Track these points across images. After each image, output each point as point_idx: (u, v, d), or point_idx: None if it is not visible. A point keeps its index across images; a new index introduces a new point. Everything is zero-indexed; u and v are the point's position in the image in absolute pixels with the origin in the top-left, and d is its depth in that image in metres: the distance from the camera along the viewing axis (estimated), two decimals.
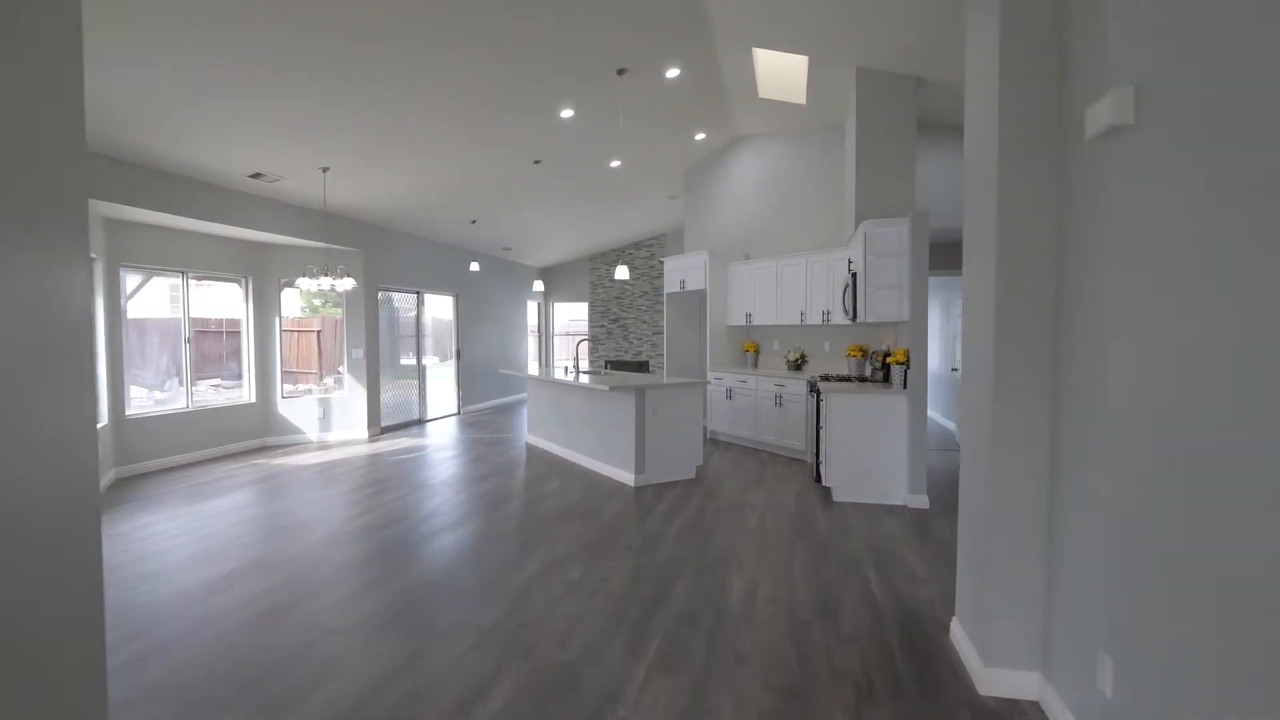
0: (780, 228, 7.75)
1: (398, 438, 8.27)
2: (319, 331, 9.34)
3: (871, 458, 5.03)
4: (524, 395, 13.21)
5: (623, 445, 5.72)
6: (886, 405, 4.98)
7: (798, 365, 7.37)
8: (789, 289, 7.17)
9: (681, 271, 8.44)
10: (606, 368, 13.55)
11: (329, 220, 7.63)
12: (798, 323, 7.05)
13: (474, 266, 9.22)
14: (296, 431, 7.94)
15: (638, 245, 13.39)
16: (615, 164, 7.97)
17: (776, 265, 7.32)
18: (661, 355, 13.10)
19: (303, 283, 6.19)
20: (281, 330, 7.88)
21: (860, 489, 5.07)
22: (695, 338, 9.24)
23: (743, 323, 7.85)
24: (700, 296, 8.92)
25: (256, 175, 6.15)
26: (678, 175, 9.28)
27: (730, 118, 7.46)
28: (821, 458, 5.46)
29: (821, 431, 5.56)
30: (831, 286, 6.63)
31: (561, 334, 14.49)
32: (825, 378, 6.16)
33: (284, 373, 7.99)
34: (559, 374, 7.02)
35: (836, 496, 5.12)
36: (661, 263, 13.10)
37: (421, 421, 9.64)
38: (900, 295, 5.05)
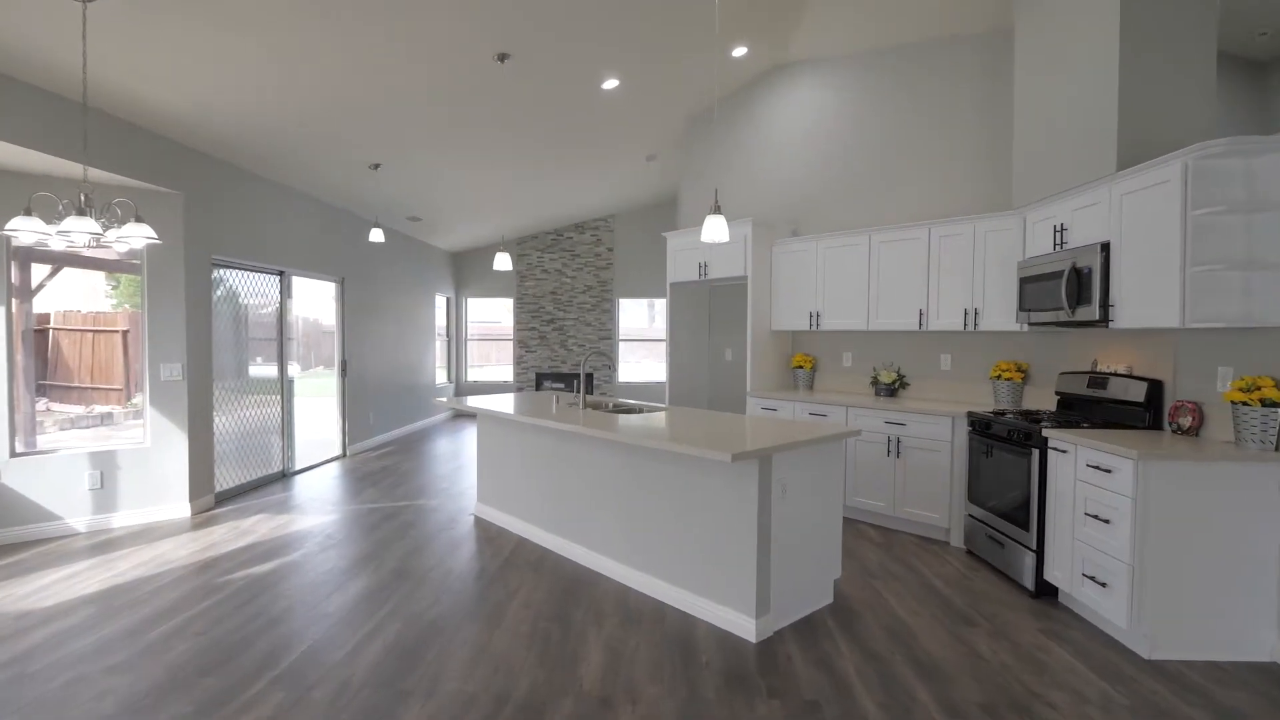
0: (859, 191, 5.35)
1: (244, 515, 4.89)
2: (125, 332, 5.72)
3: (1216, 577, 2.71)
4: (436, 419, 9.88)
5: (718, 557, 2.99)
6: (1248, 481, 2.68)
7: (892, 389, 5.00)
8: (895, 276, 4.77)
9: (698, 250, 5.81)
10: (544, 384, 10.58)
11: (103, 127, 4.18)
12: (914, 327, 4.67)
13: (376, 235, 6.04)
14: (45, 518, 4.36)
15: (580, 227, 10.55)
16: (610, 84, 5.21)
17: (869, 241, 4.91)
18: (610, 368, 10.36)
19: (19, 224, 2.82)
20: (26, 329, 4.29)
21: (1194, 634, 2.73)
22: (709, 346, 6.63)
23: (805, 326, 5.36)
24: (730, 288, 6.35)
25: None
26: (671, 123, 6.64)
27: (793, 23, 4.95)
28: (1050, 553, 3.09)
29: (1050, 508, 3.18)
30: (984, 271, 4.31)
31: (478, 338, 11.27)
32: (1000, 414, 3.81)
33: (44, 404, 4.39)
34: (555, 409, 4.11)
35: (1155, 651, 2.74)
36: (610, 251, 10.39)
37: (286, 475, 6.20)
38: (1245, 280, 2.77)
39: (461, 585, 3.50)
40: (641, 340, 11.12)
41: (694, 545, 3.12)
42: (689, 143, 6.84)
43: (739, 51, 5.36)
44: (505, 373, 10.96)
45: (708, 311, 6.58)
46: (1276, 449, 2.71)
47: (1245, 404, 2.78)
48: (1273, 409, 2.71)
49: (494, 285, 10.83)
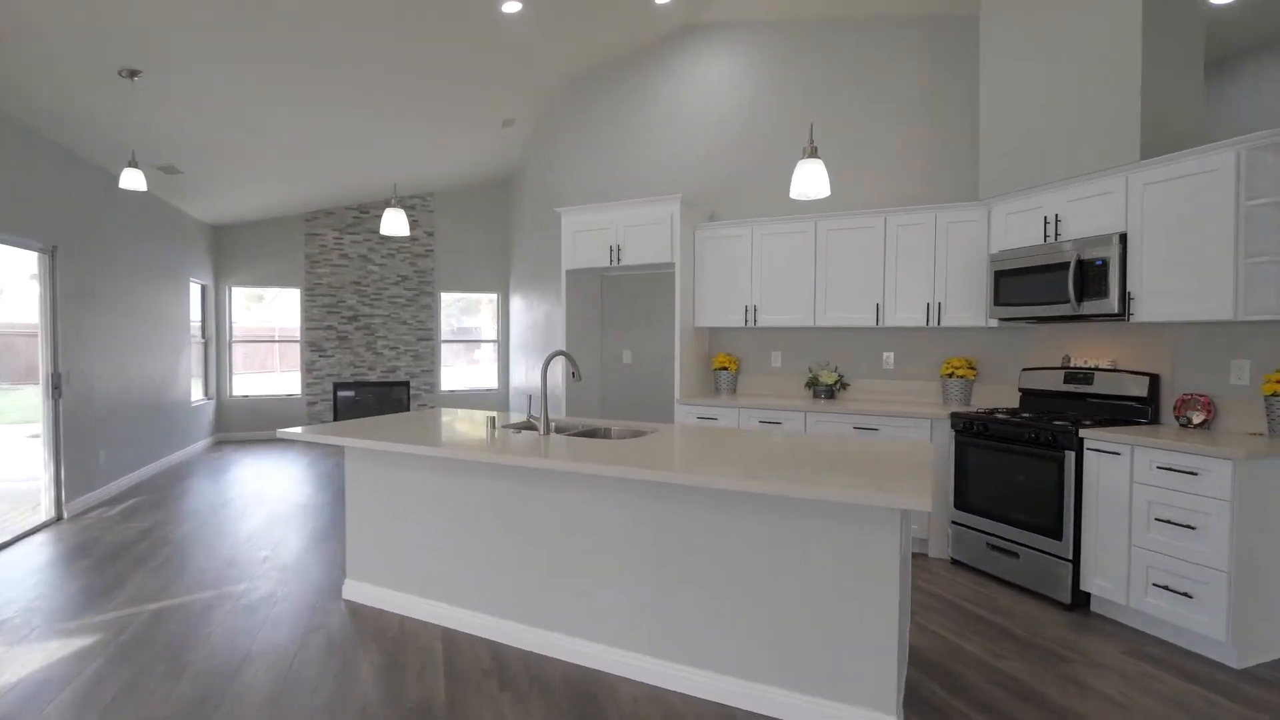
0: (780, 177, 4.89)
1: None
2: None
3: None
4: (193, 449, 7.29)
5: (827, 636, 2.16)
6: None
7: (832, 391, 4.63)
8: (846, 268, 4.37)
9: (609, 232, 4.85)
10: (338, 393, 8.49)
11: None
12: (870, 323, 4.31)
13: (132, 180, 3.86)
14: None
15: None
16: (511, 6, 4.05)
17: (816, 228, 4.45)
18: (431, 372, 8.78)
19: None
20: None
21: (1273, 635, 2.66)
22: (601, 347, 5.66)
23: (739, 322, 4.73)
24: (629, 279, 5.45)
25: None
26: (545, 82, 5.59)
27: None
28: (1090, 562, 2.88)
29: (1088, 514, 2.98)
30: (946, 264, 4.10)
31: (245, 339, 8.68)
32: (993, 412, 3.59)
33: None
34: (494, 437, 2.82)
35: (1244, 660, 2.60)
36: (430, 235, 8.78)
37: None
38: None
39: None
40: (474, 341, 9.62)
41: (783, 622, 2.24)
42: (567, 109, 5.80)
43: None
44: (289, 384, 8.60)
45: (600, 306, 5.63)
46: None
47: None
48: None
49: (271, 271, 8.41)
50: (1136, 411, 3.35)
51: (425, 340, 8.94)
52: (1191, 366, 3.23)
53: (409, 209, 8.76)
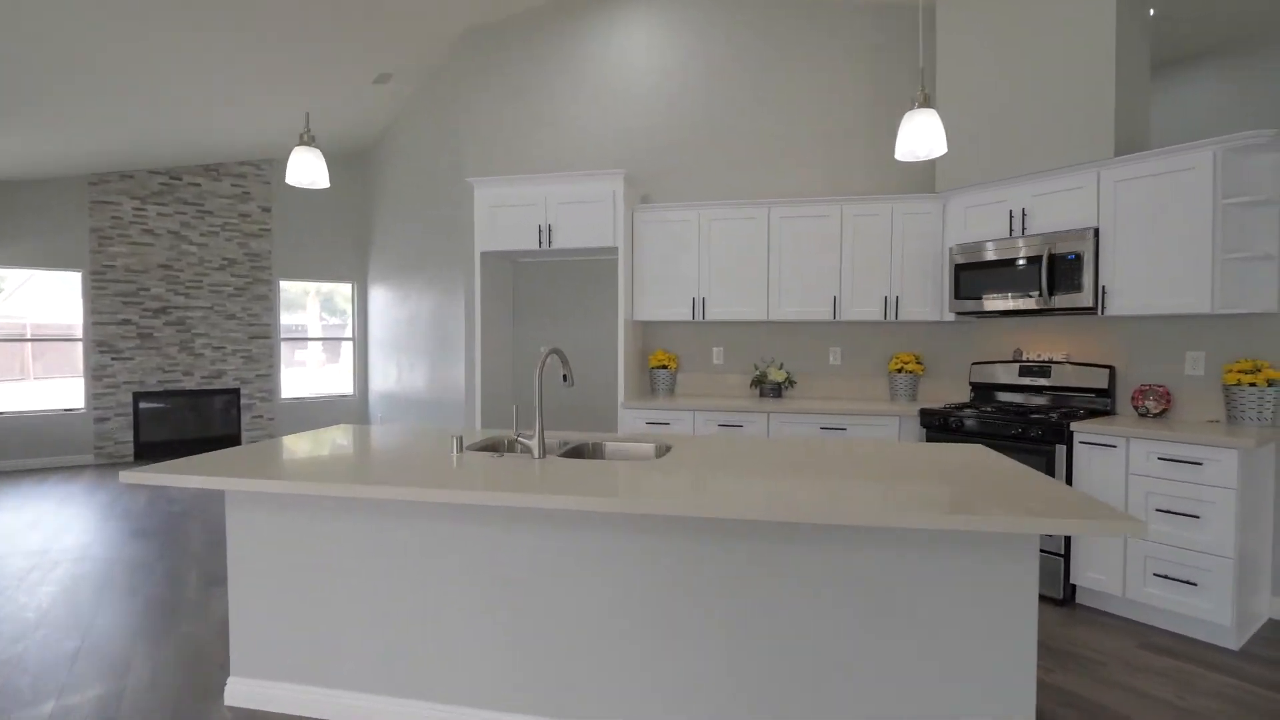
0: (716, 161, 4.54)
1: None
2: None
3: None
4: None
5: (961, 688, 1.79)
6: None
7: (779, 389, 4.37)
8: (801, 259, 4.11)
9: (536, 210, 4.16)
10: (140, 405, 6.72)
11: None
12: (827, 317, 4.09)
13: None
14: None
15: (214, 171, 7.09)
16: None
17: (769, 215, 4.14)
18: (269, 377, 7.37)
19: None
20: None
21: (1259, 609, 2.78)
22: (513, 342, 4.90)
23: (685, 315, 4.28)
24: (546, 266, 4.76)
25: None
26: (441, 32, 4.76)
27: None
28: (1082, 556, 2.89)
29: None
30: (902, 256, 3.98)
31: (4, 338, 6.53)
32: (961, 409, 3.53)
33: None
34: (456, 463, 2.06)
35: (1239, 639, 2.68)
36: (266, 211, 7.33)
37: None
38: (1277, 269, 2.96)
39: None
40: (333, 339, 8.18)
41: (891, 684, 1.82)
42: (474, 65, 4.97)
43: None
44: (66, 395, 6.62)
45: (511, 298, 4.88)
46: (1273, 424, 2.95)
47: (1247, 385, 2.96)
48: (1272, 388, 2.94)
49: (37, 249, 6.40)
50: (1096, 403, 3.44)
51: (261, 339, 7.40)
52: (1147, 358, 3.37)
53: (238, 177, 7.17)
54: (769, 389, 4.37)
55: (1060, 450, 3.14)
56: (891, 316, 4.01)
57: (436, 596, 2.10)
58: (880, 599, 1.81)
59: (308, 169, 2.50)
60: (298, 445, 2.46)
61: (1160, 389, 3.26)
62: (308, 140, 2.51)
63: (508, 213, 4.20)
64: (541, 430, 2.19)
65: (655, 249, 4.29)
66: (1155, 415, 3.25)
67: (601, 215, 4.06)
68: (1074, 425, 3.11)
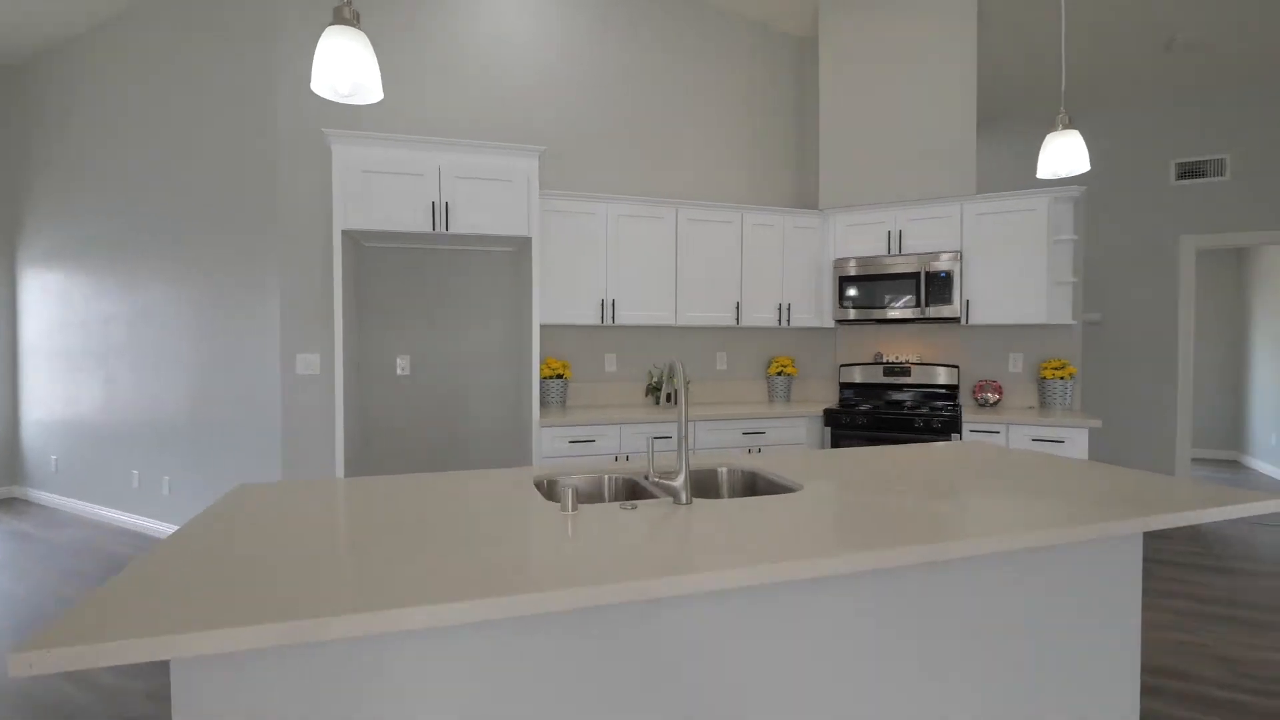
0: (613, 156, 4.25)
1: None
2: None
3: None
4: None
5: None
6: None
7: (671, 396, 4.27)
8: (706, 264, 4.06)
9: (426, 182, 3.30)
10: None
11: None
12: (730, 322, 4.10)
13: None
14: None
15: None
16: None
17: (677, 216, 3.99)
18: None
19: None
20: None
21: None
22: (359, 351, 3.79)
23: (594, 319, 3.85)
24: (395, 253, 3.80)
25: None
26: None
27: None
28: None
29: None
30: (792, 267, 4.23)
31: None
32: (856, 405, 3.94)
33: None
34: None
35: None
36: None
37: None
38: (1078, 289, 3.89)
39: None
40: None
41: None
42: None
43: None
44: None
45: (355, 292, 3.80)
46: (1074, 409, 3.92)
47: (1056, 378, 3.89)
48: (1073, 381, 3.91)
49: None
50: (946, 396, 4.15)
51: None
52: (980, 359, 4.18)
53: None
54: (668, 396, 4.21)
55: (955, 438, 3.69)
56: (785, 323, 4.24)
57: None
58: (1005, 617, 1.85)
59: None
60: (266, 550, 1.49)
61: (994, 383, 4.08)
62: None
63: (383, 181, 3.25)
64: (687, 470, 1.73)
65: (560, 243, 3.79)
66: (992, 405, 4.06)
67: (514, 197, 3.42)
68: (966, 416, 3.69)
